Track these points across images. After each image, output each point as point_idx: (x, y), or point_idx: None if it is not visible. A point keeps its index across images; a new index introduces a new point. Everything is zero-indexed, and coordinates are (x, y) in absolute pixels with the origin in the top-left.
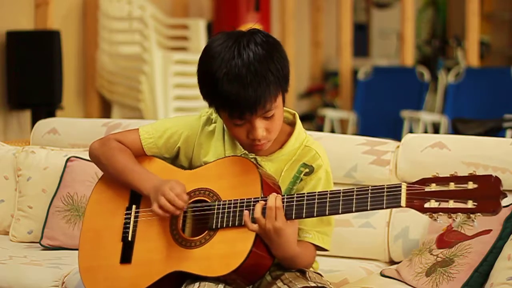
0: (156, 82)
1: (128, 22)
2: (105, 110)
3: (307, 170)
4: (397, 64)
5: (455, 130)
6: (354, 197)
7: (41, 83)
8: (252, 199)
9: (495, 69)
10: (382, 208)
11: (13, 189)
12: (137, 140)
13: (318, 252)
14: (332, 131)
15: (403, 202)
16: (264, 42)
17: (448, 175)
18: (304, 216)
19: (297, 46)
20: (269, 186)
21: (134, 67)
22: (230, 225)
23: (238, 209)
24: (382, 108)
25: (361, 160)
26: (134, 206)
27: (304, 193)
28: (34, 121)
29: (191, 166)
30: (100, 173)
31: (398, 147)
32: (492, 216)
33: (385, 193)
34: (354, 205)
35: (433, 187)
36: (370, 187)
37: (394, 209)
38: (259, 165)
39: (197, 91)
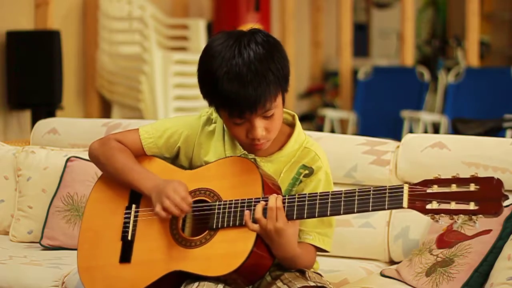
0: (156, 82)
1: (128, 22)
2: (105, 110)
3: (306, 171)
4: (397, 64)
5: (455, 130)
6: (356, 198)
7: (41, 83)
8: (253, 199)
9: (495, 69)
10: (384, 209)
11: (13, 189)
12: (137, 140)
13: (319, 253)
14: (332, 131)
15: (405, 203)
16: (264, 41)
17: (450, 177)
18: (305, 217)
19: (297, 46)
20: (269, 186)
21: (134, 67)
22: (230, 225)
23: (239, 209)
24: (382, 108)
25: (361, 160)
26: (134, 206)
27: (305, 194)
28: (34, 121)
29: (191, 166)
30: (100, 173)
31: (398, 147)
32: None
33: (387, 194)
34: (356, 205)
35: (435, 188)
36: (372, 188)
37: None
38: (259, 165)
39: (197, 91)
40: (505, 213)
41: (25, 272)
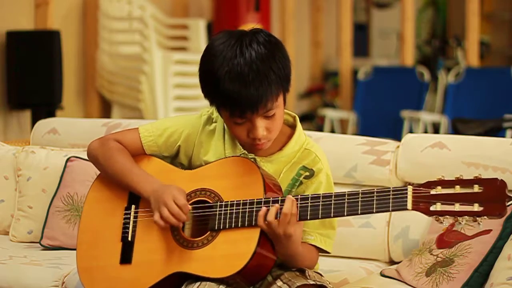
0: (156, 82)
1: (128, 22)
2: (105, 110)
3: (307, 173)
4: (397, 64)
5: (455, 130)
6: (360, 199)
7: (41, 83)
8: (255, 200)
9: (495, 69)
10: (388, 211)
11: (13, 189)
12: (137, 139)
13: (319, 253)
14: (332, 131)
15: (409, 205)
16: (266, 41)
17: (454, 178)
18: (308, 218)
19: (297, 46)
20: (270, 187)
21: (134, 67)
22: (233, 226)
23: (241, 210)
24: (382, 108)
25: (361, 160)
26: (133, 206)
27: (308, 195)
28: (34, 121)
29: (190, 165)
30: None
31: (398, 147)
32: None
33: (391, 196)
34: (359, 207)
35: (439, 190)
36: (375, 190)
37: None
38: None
39: (197, 91)
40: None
41: (25, 272)
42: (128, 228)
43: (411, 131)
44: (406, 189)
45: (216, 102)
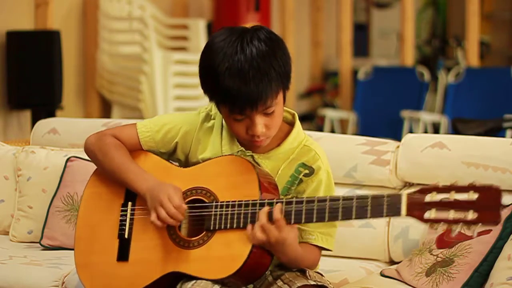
0: (156, 82)
1: (128, 22)
2: (105, 110)
3: (306, 171)
4: (397, 64)
5: (455, 130)
6: (354, 205)
7: (41, 83)
8: (251, 201)
9: (495, 69)
10: (382, 217)
11: (13, 189)
12: (134, 134)
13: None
14: (332, 131)
15: (403, 212)
16: (267, 38)
17: (449, 184)
18: (303, 222)
19: (297, 46)
20: (267, 186)
21: (134, 67)
22: (228, 227)
23: (236, 211)
24: (382, 108)
25: (361, 160)
26: (130, 203)
27: (303, 198)
28: (34, 121)
29: (187, 162)
30: None
31: (398, 147)
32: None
33: (385, 202)
34: (354, 213)
35: (434, 196)
36: (370, 196)
37: None
38: (256, 162)
39: (197, 91)
40: (505, 213)
41: (25, 272)
42: (124, 225)
43: (411, 131)
44: (401, 196)
45: (215, 98)
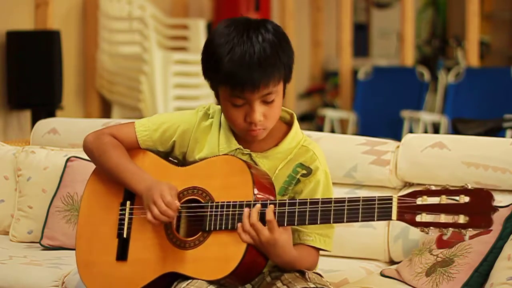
0: (156, 82)
1: (128, 22)
2: (105, 110)
3: (304, 171)
4: (397, 64)
5: (455, 130)
6: (346, 207)
7: (41, 83)
8: (245, 202)
9: (495, 69)
10: (373, 220)
11: (13, 189)
12: (132, 133)
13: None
14: (332, 131)
15: (394, 215)
16: (274, 29)
17: (440, 188)
18: (296, 224)
19: (297, 46)
20: (261, 187)
21: (134, 67)
22: (223, 228)
23: (230, 212)
24: (382, 108)
25: (361, 160)
26: (128, 203)
27: (296, 200)
28: (34, 121)
29: (184, 161)
30: None
31: (398, 147)
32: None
33: (376, 206)
34: (345, 216)
35: (425, 199)
36: (361, 198)
37: None
38: (254, 161)
39: (197, 91)
40: (505, 213)
41: (25, 272)
42: (123, 224)
43: (411, 131)
44: (391, 199)
45: (217, 81)
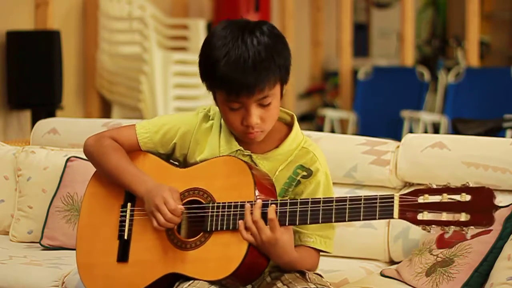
0: (156, 82)
1: (128, 22)
2: (105, 110)
3: (304, 173)
4: (397, 64)
5: (455, 130)
6: (347, 206)
7: (41, 83)
8: (246, 202)
9: (495, 69)
10: (375, 219)
11: (13, 189)
12: (133, 135)
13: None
14: (332, 131)
15: (395, 214)
16: (269, 31)
17: (441, 186)
18: (297, 223)
19: (297, 46)
20: (263, 188)
21: (134, 67)
22: (224, 229)
23: (232, 212)
24: (382, 108)
25: (361, 160)
26: (129, 204)
27: (297, 200)
28: (34, 121)
29: (185, 163)
30: None
31: (398, 147)
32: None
33: (377, 204)
34: (347, 214)
35: (426, 198)
36: (363, 197)
37: None
38: (255, 163)
39: (197, 91)
40: (505, 213)
41: (25, 272)
42: (124, 226)
43: (411, 131)
44: (393, 198)
45: (213, 85)
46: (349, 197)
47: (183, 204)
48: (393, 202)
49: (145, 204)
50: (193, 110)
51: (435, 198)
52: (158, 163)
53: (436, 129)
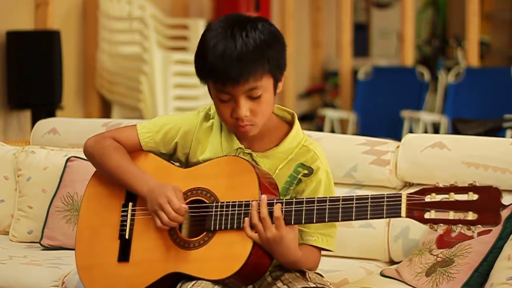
0: (156, 82)
1: (128, 22)
2: (105, 110)
3: (305, 171)
4: (397, 64)
5: (455, 130)
6: (354, 205)
7: (41, 83)
8: (251, 202)
9: (495, 69)
10: (382, 218)
11: (13, 189)
12: (134, 136)
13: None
14: (332, 131)
15: (403, 213)
16: (263, 26)
17: (448, 185)
18: (303, 222)
19: (297, 46)
20: (266, 187)
21: (134, 67)
22: (228, 228)
23: (236, 211)
24: (382, 108)
25: (361, 160)
26: (130, 204)
27: (303, 198)
28: (34, 121)
29: (188, 162)
30: None
31: (398, 147)
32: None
33: (385, 203)
34: (354, 214)
35: (433, 197)
36: (370, 196)
37: None
38: (255, 161)
39: (197, 91)
40: (505, 213)
41: (25, 272)
42: (125, 226)
43: (411, 131)
44: (400, 196)
45: (202, 76)
46: (356, 196)
47: (186, 204)
48: (400, 201)
49: (147, 203)
50: (193, 110)
51: (442, 197)
52: (160, 163)
53: (436, 129)
